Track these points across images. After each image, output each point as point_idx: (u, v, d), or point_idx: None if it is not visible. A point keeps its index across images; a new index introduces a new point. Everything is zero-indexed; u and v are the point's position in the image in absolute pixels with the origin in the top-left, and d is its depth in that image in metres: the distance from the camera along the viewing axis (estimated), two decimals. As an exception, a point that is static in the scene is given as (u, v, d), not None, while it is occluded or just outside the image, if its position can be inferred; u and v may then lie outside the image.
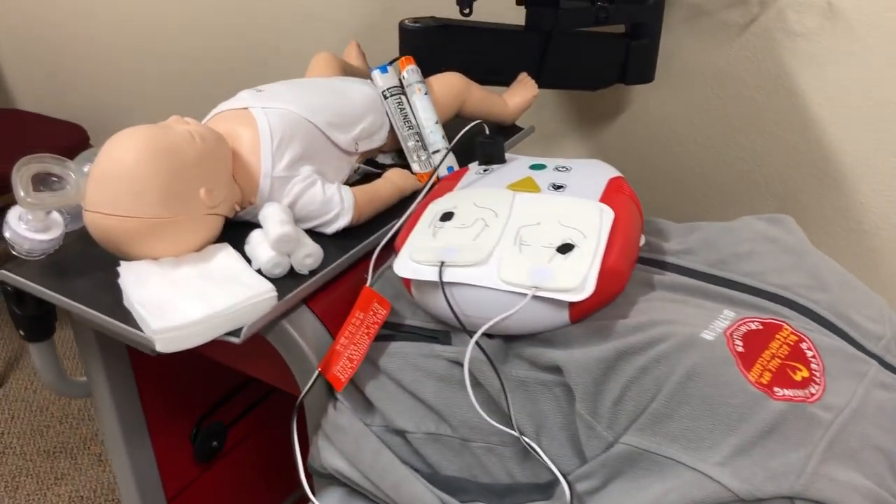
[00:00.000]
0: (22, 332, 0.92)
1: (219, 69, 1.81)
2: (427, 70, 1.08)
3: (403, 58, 1.04)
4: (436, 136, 1.01)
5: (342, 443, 0.78)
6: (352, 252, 0.87)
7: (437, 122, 1.02)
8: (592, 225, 0.73)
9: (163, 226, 0.79)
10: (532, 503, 0.71)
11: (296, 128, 0.90)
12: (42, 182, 0.80)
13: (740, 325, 0.69)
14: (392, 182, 0.96)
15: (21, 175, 0.77)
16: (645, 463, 0.64)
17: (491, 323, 0.70)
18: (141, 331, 0.75)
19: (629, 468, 0.65)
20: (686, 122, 1.32)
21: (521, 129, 1.18)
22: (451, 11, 1.18)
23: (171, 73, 1.90)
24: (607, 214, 0.75)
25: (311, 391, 0.81)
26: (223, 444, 1.17)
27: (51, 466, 1.71)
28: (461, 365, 0.74)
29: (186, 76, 1.88)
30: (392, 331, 0.80)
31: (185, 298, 0.75)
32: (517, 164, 0.87)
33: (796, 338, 0.68)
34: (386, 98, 1.02)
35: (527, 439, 0.70)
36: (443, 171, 1.01)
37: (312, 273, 0.84)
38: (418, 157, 1.00)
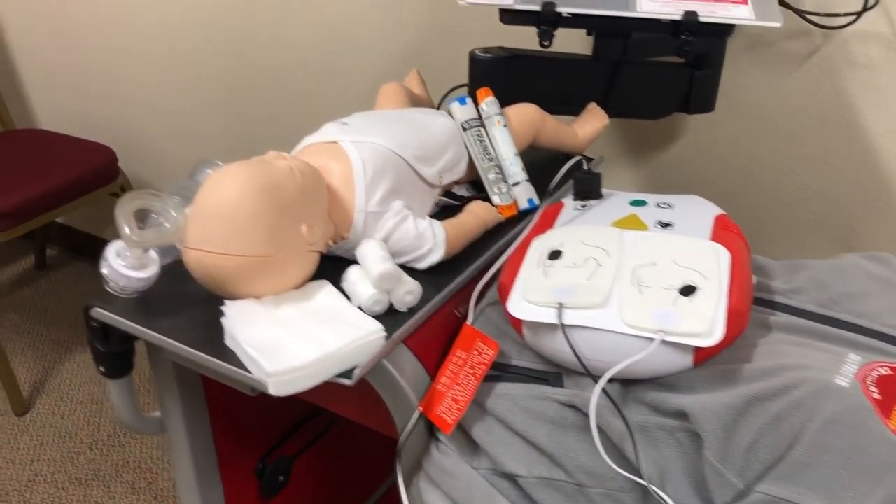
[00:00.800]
0: (102, 369, 0.90)
1: (252, 91, 1.79)
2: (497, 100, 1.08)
3: (482, 89, 1.03)
4: (516, 168, 1.00)
5: (450, 487, 0.76)
6: (449, 288, 0.85)
7: (516, 154, 1.01)
8: (710, 265, 0.72)
9: (267, 264, 0.77)
10: None
11: (387, 162, 0.89)
12: (140, 219, 0.78)
13: (870, 369, 0.68)
14: (477, 215, 0.95)
15: (124, 211, 0.76)
16: None
17: (618, 368, 0.68)
18: (248, 371, 0.73)
19: None
20: (743, 151, 1.32)
21: (590, 158, 1.17)
22: (489, 39, 1.18)
23: (204, 92, 1.89)
24: (723, 254, 0.74)
25: (408, 431, 0.79)
26: (289, 479, 1.15)
27: (84, 495, 1.68)
28: (575, 408, 0.73)
29: (221, 97, 1.87)
30: (498, 371, 0.78)
31: (296, 340, 0.73)
32: (616, 200, 0.86)
33: (926, 383, 0.68)
34: (465, 130, 1.01)
35: (654, 487, 0.68)
36: (523, 204, 1.00)
37: (411, 310, 0.82)
38: (499, 189, 0.99)
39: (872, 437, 0.63)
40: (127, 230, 0.75)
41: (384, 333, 0.76)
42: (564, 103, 1.18)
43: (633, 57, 1.16)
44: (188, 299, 0.84)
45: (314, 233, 0.81)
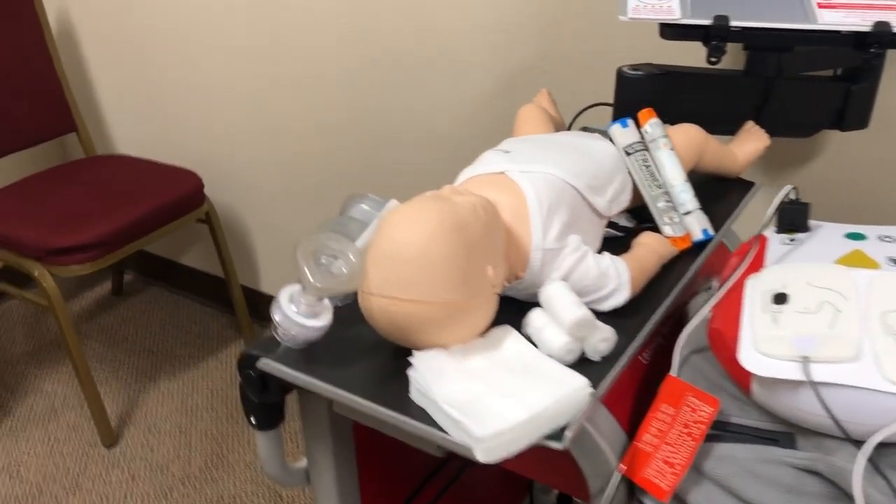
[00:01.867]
0: (254, 420, 0.83)
1: (350, 119, 1.73)
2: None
3: (644, 110, 0.95)
4: (687, 195, 0.92)
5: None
6: (644, 333, 0.77)
7: (686, 181, 0.93)
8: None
9: (459, 310, 0.70)
10: None
11: (561, 194, 0.82)
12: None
13: None
14: (654, 250, 0.87)
15: (305, 256, 0.69)
16: None
17: (888, 432, 0.60)
18: (444, 432, 0.66)
19: None
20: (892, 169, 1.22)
21: (747, 182, 1.09)
22: (603, 57, 1.10)
23: (294, 117, 1.83)
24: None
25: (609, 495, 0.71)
26: (428, 530, 1.07)
27: (181, 533, 1.63)
28: (816, 474, 0.64)
29: (314, 122, 1.81)
30: (717, 430, 0.70)
31: (497, 397, 0.66)
32: (828, 234, 0.77)
33: None
34: (628, 155, 0.93)
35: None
36: (697, 235, 0.91)
37: (605, 359, 0.74)
38: (670, 219, 0.91)
39: None
40: (310, 276, 0.68)
41: (591, 389, 0.68)
42: (716, 122, 1.10)
43: (788, 71, 1.07)
44: (353, 346, 0.78)
45: (498, 274, 0.74)
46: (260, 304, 2.16)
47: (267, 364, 0.75)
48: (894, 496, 0.61)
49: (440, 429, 0.66)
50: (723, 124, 1.11)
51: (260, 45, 1.79)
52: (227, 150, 2.01)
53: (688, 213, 0.92)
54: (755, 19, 0.91)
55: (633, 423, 0.76)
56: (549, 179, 0.82)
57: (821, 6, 0.93)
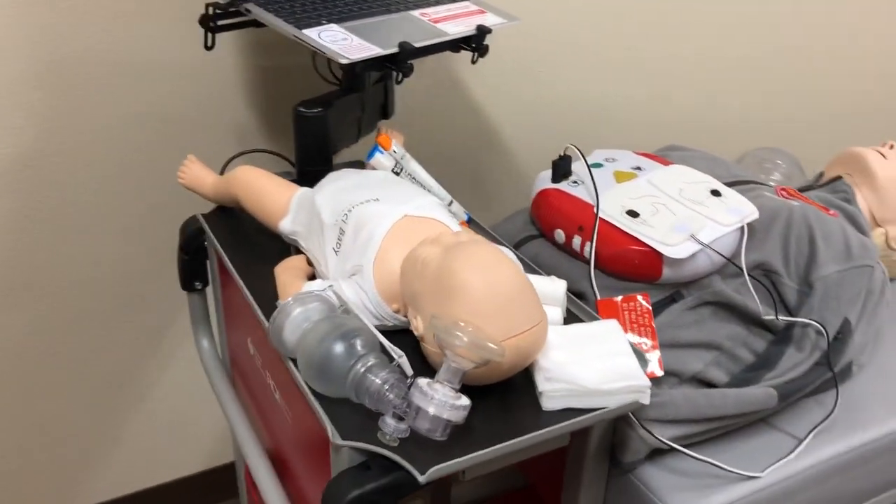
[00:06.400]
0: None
1: None
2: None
3: (382, 136, 1.08)
4: (443, 191, 1.10)
5: (673, 412, 0.94)
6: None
7: (433, 179, 1.11)
8: (701, 176, 1.07)
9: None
10: None
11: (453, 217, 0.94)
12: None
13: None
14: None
15: (448, 331, 0.68)
16: None
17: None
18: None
19: None
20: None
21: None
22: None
23: None
24: (693, 171, 1.09)
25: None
26: None
27: None
28: (706, 304, 1.00)
29: None
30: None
31: (610, 361, 0.80)
32: (584, 171, 1.09)
33: None
34: (398, 175, 1.06)
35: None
36: (464, 218, 1.12)
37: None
38: (450, 213, 1.09)
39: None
40: (488, 344, 0.68)
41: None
42: (353, 137, 1.26)
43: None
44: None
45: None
46: None
47: (436, 470, 0.69)
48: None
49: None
50: (352, 139, 1.28)
51: None
52: None
53: (450, 203, 1.11)
54: (418, 40, 1.11)
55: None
56: (441, 208, 0.92)
57: (434, 21, 1.18)
